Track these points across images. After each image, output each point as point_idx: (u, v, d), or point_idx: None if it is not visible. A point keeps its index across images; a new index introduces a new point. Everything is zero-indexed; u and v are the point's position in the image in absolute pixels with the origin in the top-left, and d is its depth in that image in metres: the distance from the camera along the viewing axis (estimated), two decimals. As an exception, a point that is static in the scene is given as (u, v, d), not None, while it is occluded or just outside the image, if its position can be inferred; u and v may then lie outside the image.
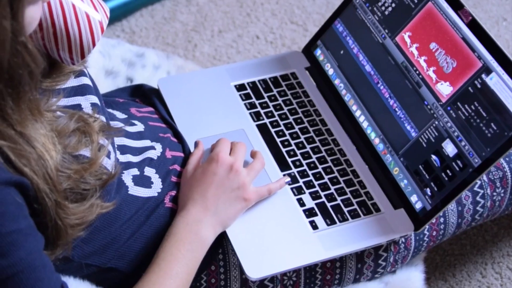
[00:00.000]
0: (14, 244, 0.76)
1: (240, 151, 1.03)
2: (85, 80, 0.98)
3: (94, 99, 0.96)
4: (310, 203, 1.05)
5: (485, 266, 1.43)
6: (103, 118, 0.95)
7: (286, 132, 1.13)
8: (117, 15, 1.85)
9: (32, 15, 0.76)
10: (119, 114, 1.06)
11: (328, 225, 1.03)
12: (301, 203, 1.05)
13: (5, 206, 0.75)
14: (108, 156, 0.91)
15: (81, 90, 0.96)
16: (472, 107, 1.01)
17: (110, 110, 1.05)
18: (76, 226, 0.85)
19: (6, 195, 0.75)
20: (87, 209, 0.86)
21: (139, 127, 1.05)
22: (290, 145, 1.12)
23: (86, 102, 0.95)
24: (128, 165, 0.98)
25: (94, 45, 0.89)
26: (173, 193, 1.01)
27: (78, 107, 0.93)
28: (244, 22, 1.89)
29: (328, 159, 1.11)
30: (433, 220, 1.05)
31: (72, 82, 0.95)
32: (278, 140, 1.12)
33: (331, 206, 1.05)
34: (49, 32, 0.86)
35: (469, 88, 1.02)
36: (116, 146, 0.97)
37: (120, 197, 0.94)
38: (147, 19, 1.88)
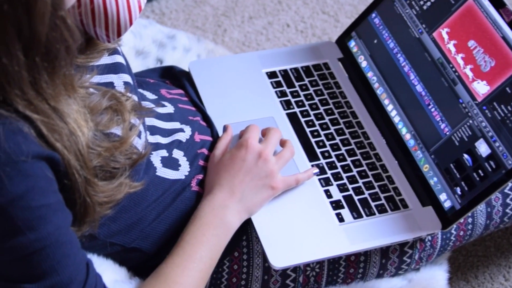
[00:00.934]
0: (42, 218, 0.76)
1: (273, 138, 1.02)
2: (118, 58, 0.97)
3: (127, 77, 0.96)
4: (337, 195, 1.04)
5: (509, 269, 1.42)
6: (135, 98, 0.94)
7: (316, 123, 1.12)
8: (148, -4, 1.84)
9: (73, -11, 0.75)
10: (150, 95, 1.06)
11: (354, 218, 1.02)
12: (328, 194, 1.04)
13: (35, 180, 0.75)
14: (139, 136, 0.91)
15: (114, 68, 0.95)
16: (509, 107, 0.99)
17: (140, 90, 1.04)
18: (104, 204, 0.84)
19: (37, 169, 0.75)
20: (115, 187, 0.85)
21: (169, 108, 1.05)
22: (319, 135, 1.11)
23: (119, 80, 0.94)
24: (157, 146, 0.98)
25: (131, 23, 0.88)
26: (200, 176, 1.00)
27: (110, 85, 0.93)
28: (275, 10, 1.87)
29: (357, 152, 1.10)
30: (461, 220, 1.04)
31: (105, 59, 0.95)
32: (307, 130, 1.11)
33: (358, 199, 1.04)
34: (87, 8, 0.86)
35: (507, 88, 1.00)
36: (146, 126, 0.97)
37: (148, 178, 0.93)
38: (178, 1, 1.87)
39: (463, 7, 1.07)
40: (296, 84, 1.17)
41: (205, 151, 1.03)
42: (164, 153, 0.98)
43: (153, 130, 0.99)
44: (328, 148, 1.09)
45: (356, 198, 1.04)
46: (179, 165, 0.99)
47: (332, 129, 1.12)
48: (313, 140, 1.10)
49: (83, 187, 0.80)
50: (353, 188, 1.05)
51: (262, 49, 1.78)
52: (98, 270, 0.84)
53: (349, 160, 1.08)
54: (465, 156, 1.02)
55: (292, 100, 1.15)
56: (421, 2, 1.12)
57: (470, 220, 1.08)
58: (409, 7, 1.14)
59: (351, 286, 1.05)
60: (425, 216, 1.03)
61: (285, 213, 1.01)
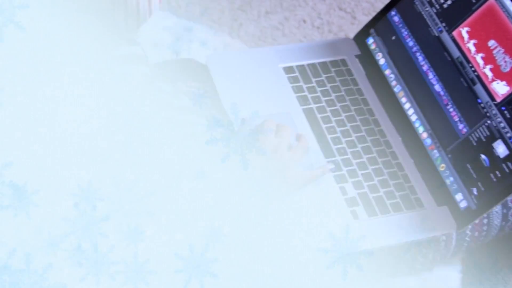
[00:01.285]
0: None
1: (285, 134, 1.01)
2: (136, 50, 0.97)
3: (145, 69, 0.96)
4: (352, 192, 1.04)
5: (521, 271, 1.41)
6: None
7: (333, 119, 1.12)
8: (165, -12, 1.84)
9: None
10: (166, 87, 1.05)
11: (369, 215, 1.02)
12: (343, 191, 1.03)
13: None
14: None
15: (132, 59, 0.95)
16: (528, 109, 0.99)
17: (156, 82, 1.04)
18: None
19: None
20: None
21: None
22: (335, 132, 1.10)
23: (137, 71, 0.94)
24: (173, 139, 0.97)
25: (150, 14, 0.88)
26: (216, 170, 1.00)
27: (128, 75, 0.93)
28: (292, 5, 1.86)
29: (373, 149, 1.09)
30: (477, 221, 1.03)
31: (123, 50, 0.95)
32: (323, 126, 1.11)
33: (373, 197, 1.04)
34: (107, -3, 0.85)
35: (526, 89, 0.99)
36: (162, 118, 0.97)
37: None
38: (194, -6, 1.87)
39: (484, 6, 1.06)
40: (313, 80, 1.17)
41: (220, 144, 1.03)
42: (180, 145, 0.98)
43: (170, 122, 0.99)
44: (344, 145, 1.09)
45: (371, 195, 1.04)
46: (194, 158, 0.99)
47: (348, 126, 1.11)
48: (329, 137, 1.10)
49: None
50: (368, 186, 1.05)
51: (278, 44, 1.78)
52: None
53: (364, 158, 1.08)
54: (483, 156, 1.02)
55: (309, 96, 1.15)
56: (442, 1, 1.11)
57: (485, 221, 1.08)
58: (429, 5, 1.13)
59: (364, 284, 1.04)
60: (440, 215, 1.03)
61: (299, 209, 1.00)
